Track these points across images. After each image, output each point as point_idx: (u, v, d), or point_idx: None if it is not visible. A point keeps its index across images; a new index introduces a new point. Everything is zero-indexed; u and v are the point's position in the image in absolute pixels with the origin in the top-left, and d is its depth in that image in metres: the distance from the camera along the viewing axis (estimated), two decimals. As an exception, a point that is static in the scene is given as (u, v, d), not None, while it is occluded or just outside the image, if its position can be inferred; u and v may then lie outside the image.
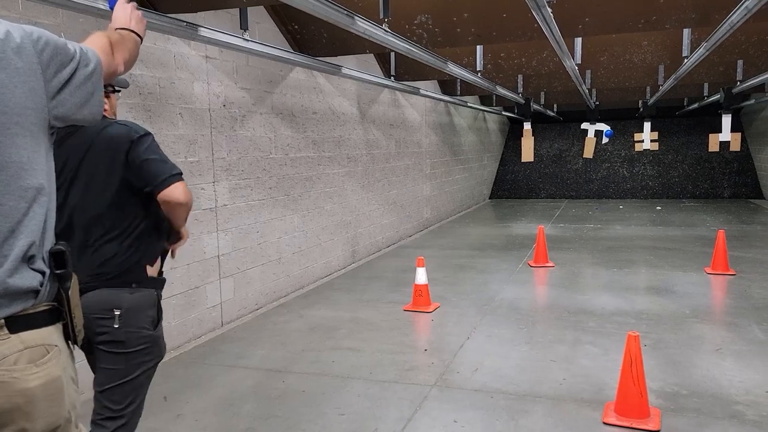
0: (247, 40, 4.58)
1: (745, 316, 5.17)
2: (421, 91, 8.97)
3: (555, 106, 14.63)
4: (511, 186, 17.28)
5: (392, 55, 8.16)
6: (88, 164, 2.13)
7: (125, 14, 1.70)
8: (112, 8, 1.79)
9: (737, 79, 8.67)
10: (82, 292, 1.86)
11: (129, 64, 1.60)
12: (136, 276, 2.15)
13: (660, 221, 11.52)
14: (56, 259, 1.31)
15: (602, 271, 7.18)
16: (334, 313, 5.56)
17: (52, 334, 1.29)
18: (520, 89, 9.77)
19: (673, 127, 16.05)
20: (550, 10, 3.91)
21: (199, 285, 4.98)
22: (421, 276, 5.60)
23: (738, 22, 4.29)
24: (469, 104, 11.80)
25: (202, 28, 4.09)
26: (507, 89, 9.15)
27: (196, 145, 4.90)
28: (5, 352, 1.20)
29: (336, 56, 6.46)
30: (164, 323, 4.63)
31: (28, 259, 1.26)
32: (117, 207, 2.13)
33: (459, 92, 10.79)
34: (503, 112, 14.35)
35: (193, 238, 4.84)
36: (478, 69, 7.34)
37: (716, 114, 10.65)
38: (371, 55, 8.18)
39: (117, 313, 2.07)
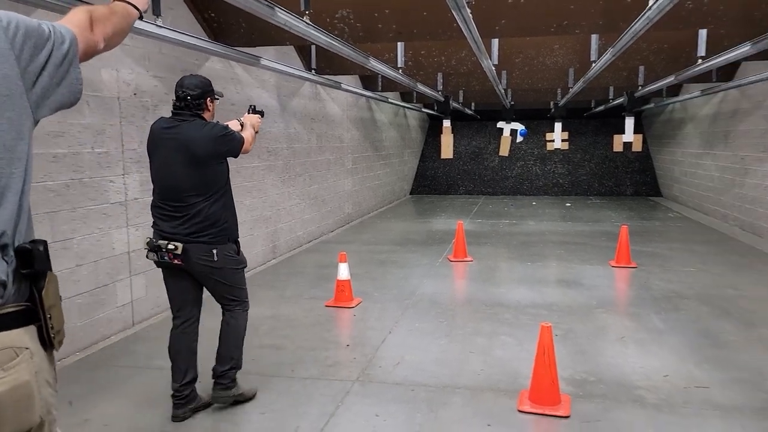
0: (160, 27, 4.37)
1: (646, 306, 5.53)
2: (343, 86, 8.93)
3: (473, 104, 15.02)
4: (431, 182, 17.60)
5: (313, 48, 8.08)
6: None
7: None
8: None
9: (639, 83, 9.26)
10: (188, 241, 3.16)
11: (114, 40, 1.54)
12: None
13: (569, 217, 12.12)
14: (22, 257, 1.22)
15: (517, 265, 7.46)
16: (255, 309, 5.40)
17: (23, 336, 1.22)
18: (440, 87, 9.95)
19: (581, 128, 16.91)
20: (469, 10, 3.99)
21: (108, 283, 4.72)
22: (343, 271, 5.58)
23: (641, 30, 4.56)
24: (390, 100, 11.89)
25: (111, 12, 3.86)
26: (427, 87, 9.29)
27: (104, 135, 4.63)
28: None
29: (255, 47, 6.31)
30: (68, 325, 4.35)
31: (0, 249, 1.20)
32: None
33: (380, 88, 10.84)
34: (423, 109, 14.57)
35: (100, 233, 4.58)
36: (399, 66, 7.40)
37: (620, 116, 11.29)
38: (291, 47, 8.06)
39: (214, 251, 3.24)
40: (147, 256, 3.28)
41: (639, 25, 4.50)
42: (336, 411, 3.43)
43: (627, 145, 11.15)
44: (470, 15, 4.10)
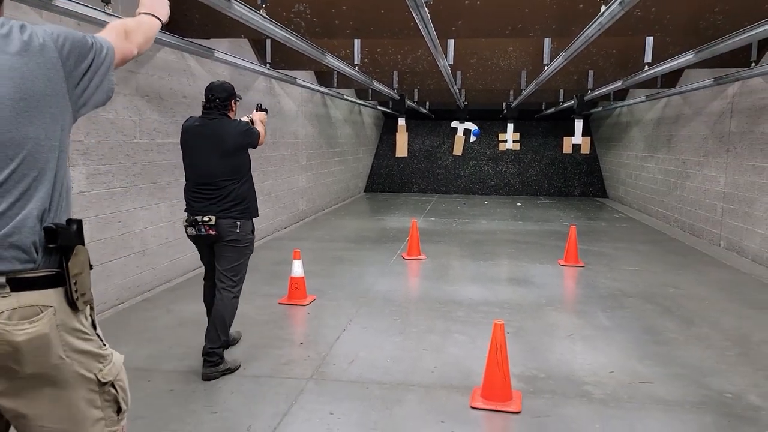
0: (109, 15, 4.22)
1: (593, 303, 5.70)
2: (298, 81, 8.85)
3: (427, 103, 15.14)
4: (385, 180, 17.65)
5: (268, 42, 7.96)
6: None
7: (151, 0, 1.93)
8: None
9: (588, 87, 9.53)
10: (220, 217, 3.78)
11: (145, 46, 1.84)
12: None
13: (520, 216, 12.37)
14: (48, 234, 1.49)
15: (470, 264, 7.56)
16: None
17: (50, 296, 1.49)
18: (395, 85, 9.99)
19: (532, 129, 17.28)
20: (427, 10, 4.02)
21: (51, 280, 4.53)
22: (297, 268, 5.53)
23: (593, 35, 4.69)
24: (345, 97, 11.85)
25: (57, -3, 3.70)
26: (383, 84, 9.30)
27: (49, 126, 4.44)
28: (2, 308, 1.42)
29: (209, 38, 6.18)
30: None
31: (40, 220, 1.48)
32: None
33: (336, 84, 10.79)
34: (378, 107, 14.59)
35: (44, 228, 4.38)
36: (355, 62, 7.38)
37: (570, 119, 11.60)
38: (246, 41, 7.92)
39: (238, 224, 3.81)
40: (187, 232, 3.88)
41: (591, 30, 4.63)
42: (289, 410, 3.40)
43: (576, 147, 11.47)
44: (428, 14, 4.12)
